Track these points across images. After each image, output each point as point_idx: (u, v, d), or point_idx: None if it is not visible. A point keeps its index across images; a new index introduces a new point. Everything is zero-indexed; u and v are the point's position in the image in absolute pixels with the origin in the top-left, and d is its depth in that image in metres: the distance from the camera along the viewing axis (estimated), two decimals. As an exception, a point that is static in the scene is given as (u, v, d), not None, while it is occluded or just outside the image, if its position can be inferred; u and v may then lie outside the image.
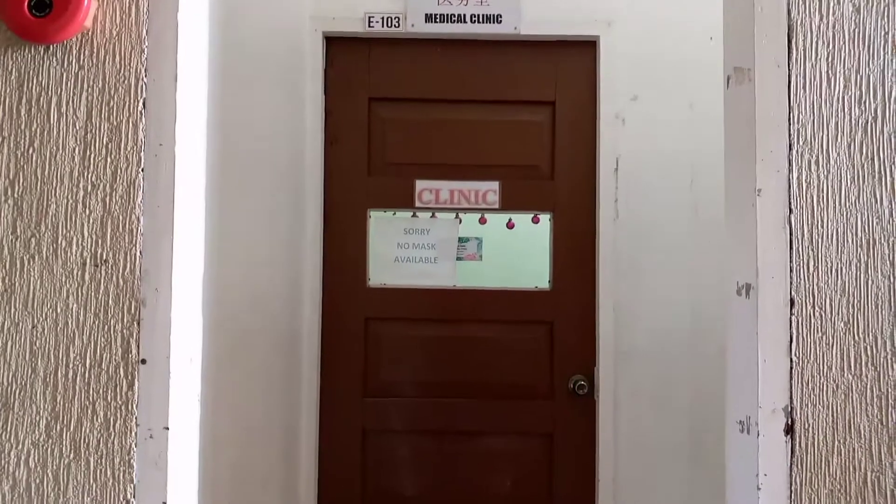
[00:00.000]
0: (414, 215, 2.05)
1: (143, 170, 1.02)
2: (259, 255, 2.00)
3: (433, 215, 2.05)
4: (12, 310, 0.99)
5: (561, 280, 2.05)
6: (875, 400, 1.01)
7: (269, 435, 2.00)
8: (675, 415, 2.02)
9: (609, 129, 2.05)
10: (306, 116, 2.03)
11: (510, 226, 2.05)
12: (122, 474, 0.98)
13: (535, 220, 2.06)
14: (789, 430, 1.01)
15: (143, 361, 0.98)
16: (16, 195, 1.01)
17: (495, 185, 2.05)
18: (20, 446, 0.98)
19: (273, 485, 2.00)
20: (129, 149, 1.02)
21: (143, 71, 1.03)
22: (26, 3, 0.99)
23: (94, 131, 1.02)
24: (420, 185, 2.05)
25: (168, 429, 0.98)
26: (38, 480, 0.98)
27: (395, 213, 2.05)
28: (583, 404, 2.03)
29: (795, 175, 1.04)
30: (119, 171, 1.01)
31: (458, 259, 2.05)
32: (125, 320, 0.99)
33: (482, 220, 2.05)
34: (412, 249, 2.05)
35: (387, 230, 2.05)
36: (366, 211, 2.05)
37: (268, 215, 2.01)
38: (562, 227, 2.05)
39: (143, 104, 1.03)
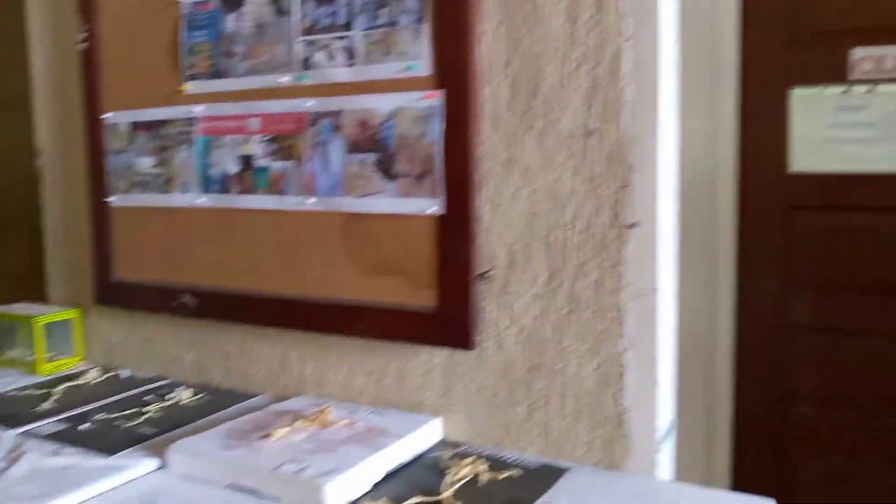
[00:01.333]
0: (847, 90, 1.81)
1: (626, 40, 1.04)
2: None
3: (872, 89, 1.79)
4: (513, 179, 1.12)
5: None
6: None
7: (691, 322, 2.02)
8: None
9: None
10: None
11: None
12: (614, 329, 1.06)
13: None
14: None
15: (633, 225, 1.04)
16: (511, 74, 1.12)
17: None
18: (524, 298, 1.13)
19: (696, 364, 2.02)
20: (612, 20, 1.04)
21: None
22: None
23: (578, 7, 1.07)
24: (856, 53, 1.79)
25: (656, 290, 1.03)
26: (540, 328, 1.12)
27: (822, 89, 1.84)
28: None
29: None
30: (604, 42, 1.05)
31: (908, 139, 1.77)
32: (614, 186, 1.05)
33: (945, 89, 1.73)
34: (844, 130, 1.82)
35: (812, 109, 1.85)
36: (787, 89, 1.87)
37: (684, 95, 1.95)
38: None
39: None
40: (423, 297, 1.19)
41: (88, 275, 1.58)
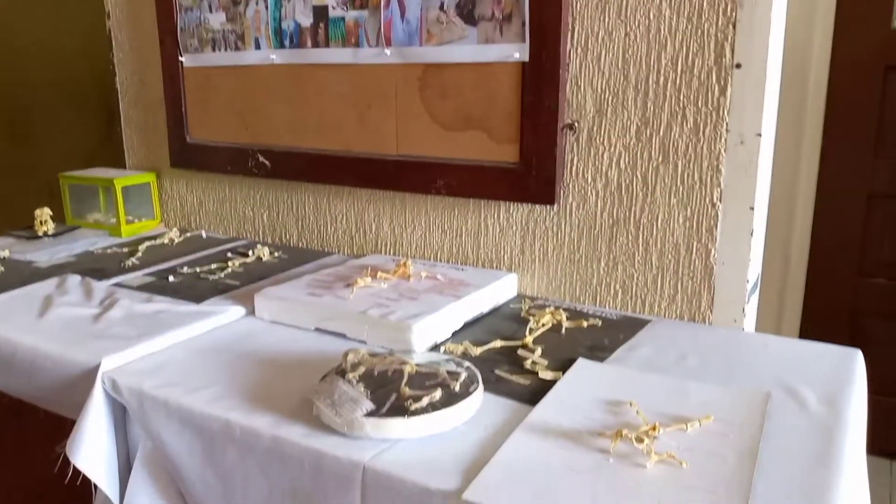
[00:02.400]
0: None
1: None
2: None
3: None
4: (606, 19, 1.05)
5: None
6: None
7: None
8: None
9: None
10: None
11: None
12: (709, 178, 1.01)
13: None
14: None
15: (738, 66, 0.96)
16: None
17: None
18: (612, 149, 1.08)
19: (775, 221, 1.96)
20: None
21: None
22: None
23: None
24: None
25: (761, 135, 0.97)
26: (627, 180, 1.08)
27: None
28: None
29: None
30: None
31: None
32: (720, 23, 0.97)
33: None
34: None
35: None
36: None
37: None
38: None
39: None
40: (504, 152, 1.15)
41: (163, 138, 1.59)
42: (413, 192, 1.27)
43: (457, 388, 0.77)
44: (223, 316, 1.09)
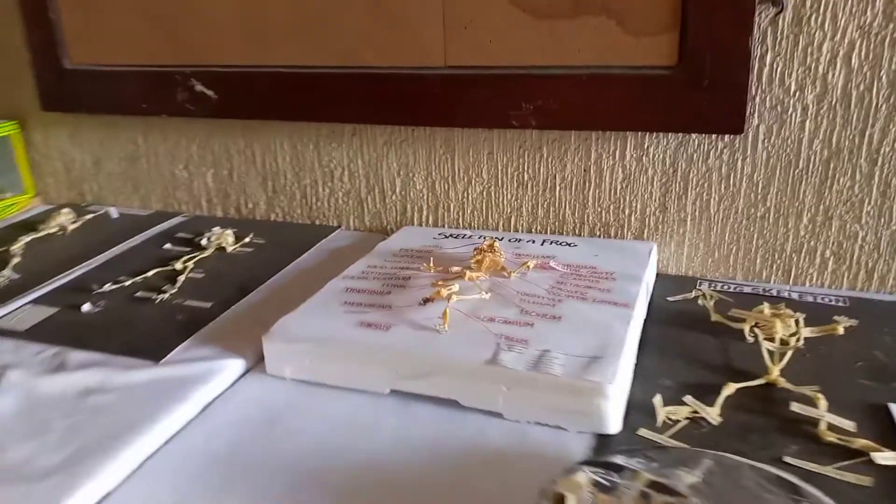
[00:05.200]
0: None
1: None
2: None
3: None
4: None
5: None
6: None
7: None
8: None
9: None
10: None
11: None
12: None
13: None
14: None
15: None
16: None
17: None
18: (838, 36, 0.65)
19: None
20: None
21: None
22: None
23: None
24: None
25: None
26: (862, 86, 0.66)
27: None
28: None
29: None
30: None
31: None
32: None
33: None
34: None
35: None
36: None
37: None
38: None
39: None
40: (648, 50, 0.70)
41: (24, 66, 1.01)
42: (474, 126, 0.81)
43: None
44: (212, 384, 0.60)
